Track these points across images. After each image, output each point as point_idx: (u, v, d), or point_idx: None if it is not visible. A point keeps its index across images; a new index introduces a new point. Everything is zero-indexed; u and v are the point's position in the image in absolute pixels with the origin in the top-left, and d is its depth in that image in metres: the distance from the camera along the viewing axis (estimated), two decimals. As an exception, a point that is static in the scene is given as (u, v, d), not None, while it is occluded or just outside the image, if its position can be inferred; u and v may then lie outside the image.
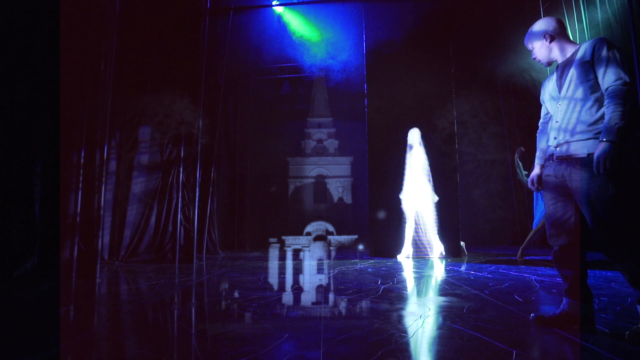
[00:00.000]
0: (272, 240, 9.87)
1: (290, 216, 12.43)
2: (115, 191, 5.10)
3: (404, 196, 5.67)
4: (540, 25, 2.01)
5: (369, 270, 4.26)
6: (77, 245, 3.45)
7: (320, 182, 13.34)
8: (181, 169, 5.23)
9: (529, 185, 2.09)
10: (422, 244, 5.56)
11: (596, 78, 1.75)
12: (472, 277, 3.60)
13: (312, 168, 13.36)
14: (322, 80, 12.02)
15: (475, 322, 1.97)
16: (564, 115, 1.85)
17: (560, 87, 1.90)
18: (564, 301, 1.91)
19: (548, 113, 2.06)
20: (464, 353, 1.53)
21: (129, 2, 4.63)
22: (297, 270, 4.38)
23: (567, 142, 1.82)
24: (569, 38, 1.97)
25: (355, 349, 1.58)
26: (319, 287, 3.21)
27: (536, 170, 2.07)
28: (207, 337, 1.81)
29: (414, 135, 5.70)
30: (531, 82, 6.30)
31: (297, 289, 3.08)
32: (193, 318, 2.20)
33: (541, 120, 2.12)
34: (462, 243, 5.91)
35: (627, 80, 1.66)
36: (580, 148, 1.77)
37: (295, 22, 7.93)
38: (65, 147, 3.47)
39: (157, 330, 2.03)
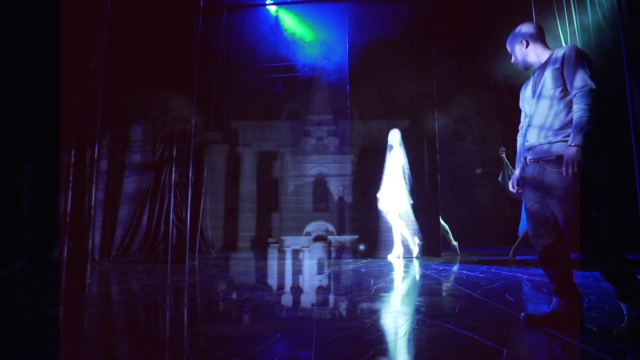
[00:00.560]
0: (271, 240, 9.75)
1: (289, 216, 12.37)
2: (107, 190, 5.04)
3: (381, 196, 5.72)
4: (519, 29, 2.06)
5: (362, 270, 4.27)
6: (67, 245, 3.40)
7: (320, 181, 13.27)
8: (173, 168, 5.19)
9: (510, 187, 2.14)
10: (406, 243, 5.60)
11: (565, 84, 1.81)
12: (464, 277, 3.63)
13: (312, 166, 13.28)
14: (321, 77, 12.03)
15: (466, 321, 1.98)
16: (536, 119, 1.91)
17: (534, 91, 1.97)
18: (554, 300, 1.94)
19: (527, 116, 2.09)
20: (455, 352, 1.54)
21: (121, -1, 4.59)
22: (290, 270, 4.38)
23: (540, 145, 1.88)
24: (545, 44, 2.02)
25: (346, 349, 1.59)
26: (312, 287, 3.21)
27: (516, 172, 2.11)
28: (199, 338, 1.80)
29: (394, 136, 5.77)
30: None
31: (290, 289, 3.08)
32: (185, 318, 2.19)
33: (521, 124, 2.15)
34: (454, 243, 5.95)
35: (594, 87, 1.72)
36: (550, 150, 1.83)
37: (289, 21, 7.92)
38: (56, 146, 3.43)
39: (148, 331, 2.01)
